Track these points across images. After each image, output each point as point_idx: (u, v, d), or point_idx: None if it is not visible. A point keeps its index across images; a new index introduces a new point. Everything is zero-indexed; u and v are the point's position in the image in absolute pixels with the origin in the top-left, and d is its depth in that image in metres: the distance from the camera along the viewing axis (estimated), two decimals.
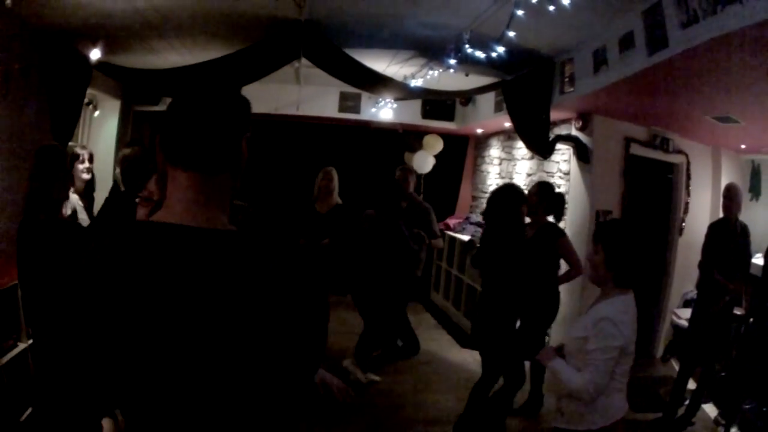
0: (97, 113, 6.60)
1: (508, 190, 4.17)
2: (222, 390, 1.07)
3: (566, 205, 4.73)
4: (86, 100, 5.80)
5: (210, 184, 1.14)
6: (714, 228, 4.76)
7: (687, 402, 4.59)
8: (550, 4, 3.44)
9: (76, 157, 4.26)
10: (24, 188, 3.38)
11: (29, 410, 3.55)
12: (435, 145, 8.19)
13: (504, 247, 3.97)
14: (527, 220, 4.31)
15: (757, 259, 4.90)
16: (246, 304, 1.06)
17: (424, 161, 8.09)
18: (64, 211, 3.54)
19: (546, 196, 4.46)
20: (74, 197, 4.03)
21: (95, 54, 4.71)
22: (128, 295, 1.03)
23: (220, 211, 1.16)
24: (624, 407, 2.47)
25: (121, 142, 6.68)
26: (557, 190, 4.80)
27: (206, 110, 1.14)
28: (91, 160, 4.34)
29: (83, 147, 4.51)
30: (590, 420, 2.42)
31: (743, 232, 4.70)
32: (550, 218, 4.51)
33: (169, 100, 1.19)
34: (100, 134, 6.75)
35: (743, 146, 6.26)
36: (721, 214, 4.82)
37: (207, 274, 1.05)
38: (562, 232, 4.50)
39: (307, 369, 1.19)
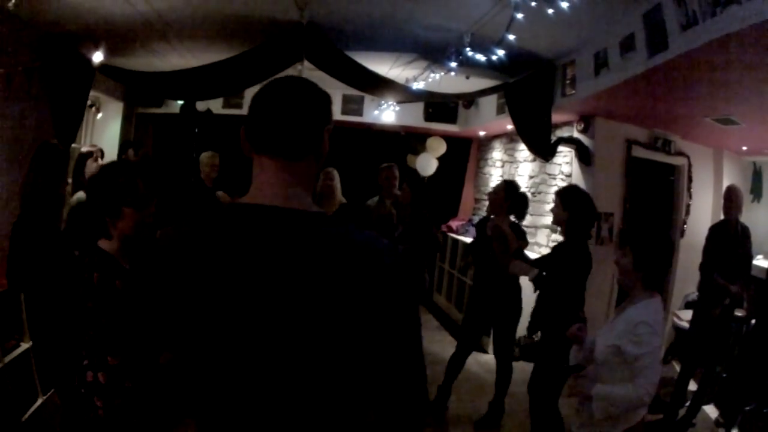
0: (99, 115, 6.64)
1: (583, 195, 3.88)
2: (306, 379, 1.10)
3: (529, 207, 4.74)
4: (89, 102, 5.83)
5: (295, 169, 1.21)
6: (714, 230, 4.77)
7: (688, 403, 4.60)
8: (550, 8, 3.46)
9: (88, 155, 4.28)
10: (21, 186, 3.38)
11: (31, 409, 3.56)
12: (438, 147, 8.20)
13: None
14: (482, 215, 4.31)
15: (758, 261, 4.90)
16: (338, 283, 1.09)
17: (428, 163, 8.09)
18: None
19: (511, 195, 4.45)
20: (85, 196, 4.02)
21: (98, 56, 4.74)
22: (224, 275, 1.09)
23: (305, 194, 1.22)
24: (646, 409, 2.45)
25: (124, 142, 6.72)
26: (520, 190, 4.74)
27: (290, 101, 1.20)
28: (102, 157, 4.36)
29: (93, 145, 4.53)
30: (613, 424, 2.40)
31: (744, 233, 4.70)
32: (512, 217, 4.51)
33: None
34: (102, 136, 6.78)
35: (745, 148, 6.27)
36: (722, 216, 4.83)
37: (303, 252, 1.10)
38: (524, 235, 4.52)
39: (404, 380, 1.15)
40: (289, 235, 1.11)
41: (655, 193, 6.24)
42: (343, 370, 1.10)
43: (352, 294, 1.08)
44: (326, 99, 1.26)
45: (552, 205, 6.21)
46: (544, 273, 3.77)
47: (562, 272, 3.67)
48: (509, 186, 4.53)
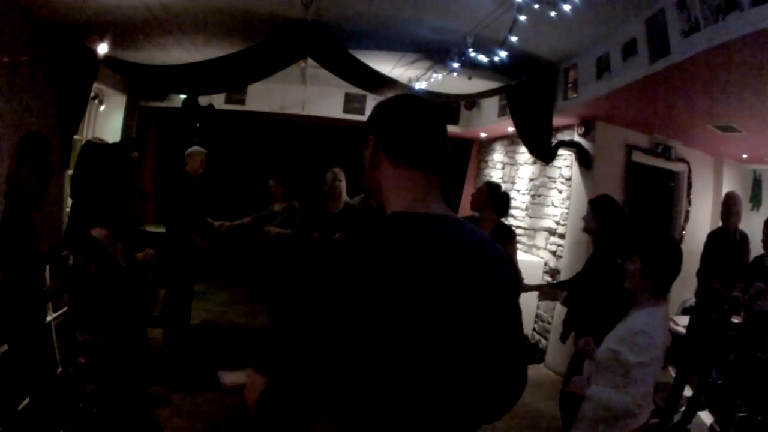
0: (102, 108, 6.64)
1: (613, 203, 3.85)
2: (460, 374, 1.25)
3: (510, 205, 4.82)
4: (92, 94, 5.84)
5: (435, 181, 1.37)
6: (713, 237, 4.77)
7: (683, 408, 4.60)
8: (553, 11, 3.47)
9: (98, 146, 4.31)
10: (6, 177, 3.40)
11: (26, 400, 3.57)
12: None
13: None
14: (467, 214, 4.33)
15: None
16: (495, 281, 1.29)
17: None
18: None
19: (493, 195, 4.48)
20: None
21: (102, 48, 4.73)
22: (416, 276, 1.20)
23: (442, 202, 1.36)
24: (646, 415, 2.42)
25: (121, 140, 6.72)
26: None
27: (440, 123, 1.38)
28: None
29: (99, 139, 4.55)
30: (608, 428, 2.38)
31: (743, 241, 4.71)
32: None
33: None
34: (105, 129, 6.78)
35: (745, 156, 6.27)
36: (720, 223, 4.83)
37: (472, 254, 1.27)
38: (513, 233, 4.56)
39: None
40: (460, 241, 1.28)
41: (655, 198, 6.24)
42: (490, 349, 1.29)
43: (501, 289, 1.30)
44: None
45: (551, 207, 6.27)
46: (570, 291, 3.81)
47: (590, 287, 3.65)
48: (491, 186, 4.59)
